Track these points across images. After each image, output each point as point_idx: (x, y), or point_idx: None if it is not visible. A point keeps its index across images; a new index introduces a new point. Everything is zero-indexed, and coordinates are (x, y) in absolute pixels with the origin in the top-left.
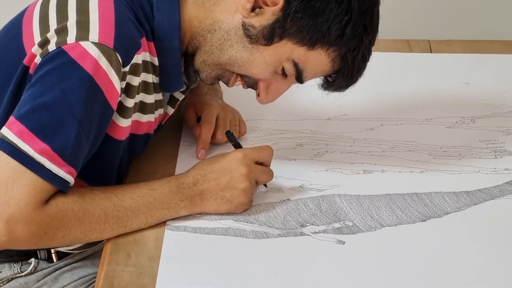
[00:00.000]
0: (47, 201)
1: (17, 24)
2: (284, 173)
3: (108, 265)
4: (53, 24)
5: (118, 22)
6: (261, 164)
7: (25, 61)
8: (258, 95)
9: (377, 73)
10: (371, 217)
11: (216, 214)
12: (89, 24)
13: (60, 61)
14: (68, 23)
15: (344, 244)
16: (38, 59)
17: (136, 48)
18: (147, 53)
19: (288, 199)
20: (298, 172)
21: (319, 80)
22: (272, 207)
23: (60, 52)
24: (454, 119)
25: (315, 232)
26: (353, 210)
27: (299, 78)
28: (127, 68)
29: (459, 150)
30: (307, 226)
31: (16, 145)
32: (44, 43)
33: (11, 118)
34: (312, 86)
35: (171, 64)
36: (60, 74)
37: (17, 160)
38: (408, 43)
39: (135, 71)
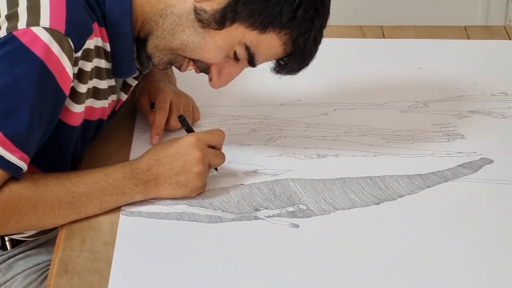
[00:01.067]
0: (0, 188)
1: None
2: (238, 158)
3: (63, 251)
4: (3, 10)
5: (69, 7)
6: (213, 147)
7: None
8: (210, 79)
9: (331, 59)
10: (325, 200)
11: (170, 198)
12: (39, 9)
13: (11, 47)
14: (19, 9)
15: (298, 227)
16: None
17: (87, 33)
18: (99, 39)
19: (242, 184)
20: (252, 157)
21: (271, 64)
22: (226, 191)
23: (10, 38)
24: (408, 103)
25: (269, 216)
26: (306, 194)
27: (251, 62)
28: (79, 54)
29: (413, 134)
30: (261, 210)
31: None
32: None
33: None
34: (265, 69)
35: (123, 50)
36: (11, 60)
37: None
38: (361, 29)
39: (87, 56)
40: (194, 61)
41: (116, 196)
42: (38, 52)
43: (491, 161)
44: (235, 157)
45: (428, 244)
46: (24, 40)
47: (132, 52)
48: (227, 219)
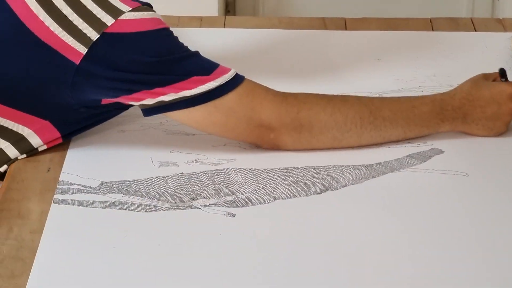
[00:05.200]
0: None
1: None
2: (180, 148)
3: None
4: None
5: None
6: None
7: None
8: None
9: (295, 51)
10: (264, 190)
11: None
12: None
13: (143, 36)
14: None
15: (234, 216)
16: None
17: None
18: None
19: (182, 173)
20: (195, 147)
21: None
22: (164, 180)
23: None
24: (363, 94)
25: (206, 205)
26: (247, 183)
27: None
28: None
29: None
30: (198, 199)
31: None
32: None
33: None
34: None
35: None
36: (161, 38)
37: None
38: (323, 21)
39: None
40: None
41: (420, 128)
42: (159, 24)
43: (441, 152)
44: (178, 147)
45: (370, 233)
46: (150, 24)
47: None
48: (161, 208)
